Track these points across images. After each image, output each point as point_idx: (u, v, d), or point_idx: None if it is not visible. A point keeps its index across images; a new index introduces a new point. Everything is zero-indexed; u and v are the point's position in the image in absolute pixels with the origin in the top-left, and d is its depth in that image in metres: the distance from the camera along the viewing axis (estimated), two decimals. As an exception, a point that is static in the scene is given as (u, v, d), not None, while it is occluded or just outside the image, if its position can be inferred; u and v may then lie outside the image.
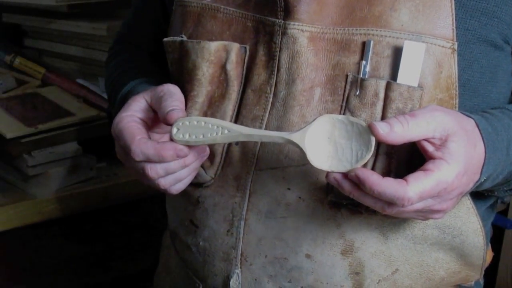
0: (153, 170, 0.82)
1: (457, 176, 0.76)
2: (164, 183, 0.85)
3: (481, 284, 1.04)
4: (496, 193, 0.94)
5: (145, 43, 1.17)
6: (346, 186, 0.77)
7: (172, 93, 0.85)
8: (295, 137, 0.79)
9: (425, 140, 0.77)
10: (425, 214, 0.80)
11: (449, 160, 0.76)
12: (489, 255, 1.00)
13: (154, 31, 1.13)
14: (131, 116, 0.86)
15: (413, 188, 0.74)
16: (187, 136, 0.82)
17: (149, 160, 0.82)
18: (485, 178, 0.82)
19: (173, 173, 0.84)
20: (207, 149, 0.86)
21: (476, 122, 0.81)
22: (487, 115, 0.85)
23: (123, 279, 1.71)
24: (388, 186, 0.74)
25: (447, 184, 0.75)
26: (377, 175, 0.75)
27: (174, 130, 0.82)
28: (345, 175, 0.78)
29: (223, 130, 0.82)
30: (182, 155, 0.81)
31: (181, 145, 0.81)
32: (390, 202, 0.76)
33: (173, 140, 0.81)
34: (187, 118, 0.82)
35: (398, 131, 0.75)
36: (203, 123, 0.82)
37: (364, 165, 0.83)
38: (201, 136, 0.82)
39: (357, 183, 0.76)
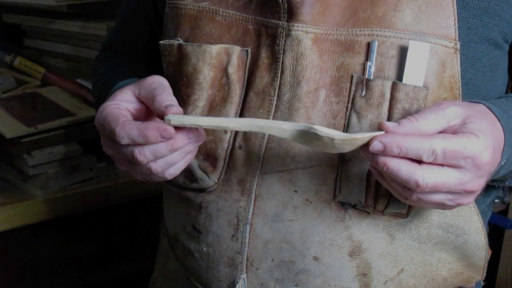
0: (142, 154, 0.80)
1: (487, 149, 0.75)
2: (156, 167, 0.82)
3: (481, 284, 1.04)
4: (506, 182, 0.94)
5: (135, 50, 1.16)
6: (381, 156, 0.75)
7: (164, 86, 0.84)
8: (302, 123, 0.78)
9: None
10: (456, 197, 0.78)
11: (478, 133, 0.75)
12: (488, 253, 1.01)
13: (146, 37, 1.12)
14: (116, 104, 0.84)
15: (439, 142, 0.73)
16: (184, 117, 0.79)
17: (134, 143, 0.80)
18: (505, 160, 0.82)
19: (162, 157, 0.82)
20: (202, 131, 0.83)
21: (487, 106, 0.81)
22: (493, 101, 0.85)
23: (123, 279, 1.70)
24: (413, 139, 0.73)
25: (475, 154, 0.74)
26: (397, 134, 0.75)
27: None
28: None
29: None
30: (166, 135, 0.79)
31: (167, 125, 0.79)
32: (418, 160, 0.74)
33: (166, 121, 0.79)
34: (177, 120, 0.80)
35: (407, 125, 0.75)
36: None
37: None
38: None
39: (382, 151, 0.74)
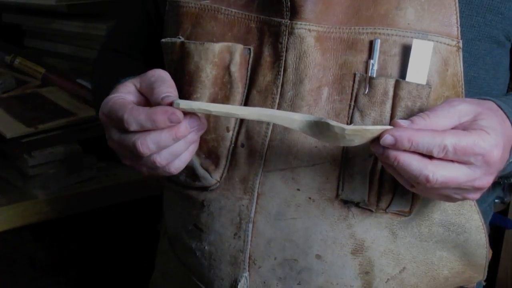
0: (144, 145, 0.78)
1: (497, 147, 0.75)
2: (160, 159, 0.81)
3: (482, 284, 1.04)
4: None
5: (136, 49, 1.16)
6: (392, 151, 0.74)
7: (164, 79, 0.83)
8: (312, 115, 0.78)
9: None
10: (463, 192, 0.78)
11: (488, 130, 0.75)
12: (489, 252, 1.01)
13: (146, 36, 1.12)
14: (120, 96, 0.84)
15: (450, 138, 0.73)
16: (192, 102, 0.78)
17: (142, 128, 0.78)
18: None
19: (166, 147, 0.80)
20: (204, 120, 0.82)
21: (496, 104, 0.81)
22: (502, 98, 0.85)
23: (123, 279, 1.70)
24: (424, 134, 0.73)
25: (485, 151, 0.74)
26: (408, 128, 0.75)
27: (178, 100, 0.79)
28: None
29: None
30: (174, 119, 0.77)
31: (175, 108, 0.77)
32: (429, 156, 0.74)
33: (174, 105, 0.78)
34: (186, 105, 0.79)
35: (419, 122, 0.75)
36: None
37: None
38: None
39: (393, 144, 0.74)
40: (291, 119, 0.79)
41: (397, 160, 0.74)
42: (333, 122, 0.76)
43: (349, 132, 0.76)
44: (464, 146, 0.73)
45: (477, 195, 0.79)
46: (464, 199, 0.80)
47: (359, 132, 0.76)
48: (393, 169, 0.77)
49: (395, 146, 0.74)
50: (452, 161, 0.74)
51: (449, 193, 0.78)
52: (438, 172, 0.74)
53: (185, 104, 0.78)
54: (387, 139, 0.74)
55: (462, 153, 0.73)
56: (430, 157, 0.74)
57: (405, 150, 0.74)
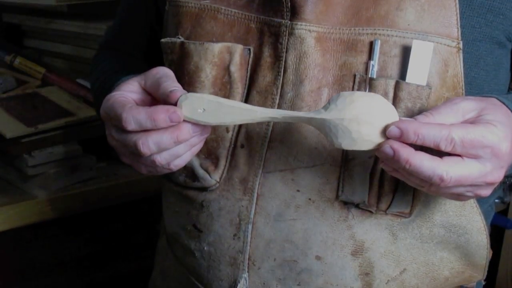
0: (145, 146, 0.78)
1: (505, 139, 0.74)
2: (160, 159, 0.80)
3: (482, 284, 1.04)
4: None
5: (135, 48, 1.15)
6: (404, 153, 0.73)
7: (168, 75, 0.83)
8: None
9: None
10: (475, 189, 0.77)
11: (495, 123, 0.74)
12: (489, 252, 1.01)
13: (145, 35, 1.11)
14: (121, 94, 0.83)
15: (457, 130, 0.72)
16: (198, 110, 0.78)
17: (141, 127, 0.78)
18: None
19: (167, 149, 0.80)
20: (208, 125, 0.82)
21: (499, 99, 0.81)
22: (504, 95, 0.85)
23: (123, 279, 1.70)
24: (431, 127, 0.73)
25: (493, 144, 0.73)
26: (415, 120, 0.74)
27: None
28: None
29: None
30: (175, 118, 0.77)
31: (176, 108, 0.77)
32: (437, 150, 0.73)
33: (182, 97, 0.78)
34: (196, 95, 0.79)
35: (423, 121, 0.75)
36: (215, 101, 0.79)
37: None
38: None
39: (399, 137, 0.73)
40: (297, 117, 0.79)
41: (408, 163, 0.73)
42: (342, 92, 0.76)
43: (358, 95, 0.75)
44: (472, 139, 0.73)
45: (488, 191, 0.78)
46: (475, 196, 0.79)
47: (368, 97, 0.75)
48: (401, 173, 0.76)
49: (401, 139, 0.73)
50: (461, 157, 0.74)
51: (461, 191, 0.77)
52: (451, 171, 0.73)
53: (194, 94, 0.78)
54: (393, 130, 0.74)
55: (470, 146, 0.73)
56: (440, 157, 0.73)
57: (414, 148, 0.73)
